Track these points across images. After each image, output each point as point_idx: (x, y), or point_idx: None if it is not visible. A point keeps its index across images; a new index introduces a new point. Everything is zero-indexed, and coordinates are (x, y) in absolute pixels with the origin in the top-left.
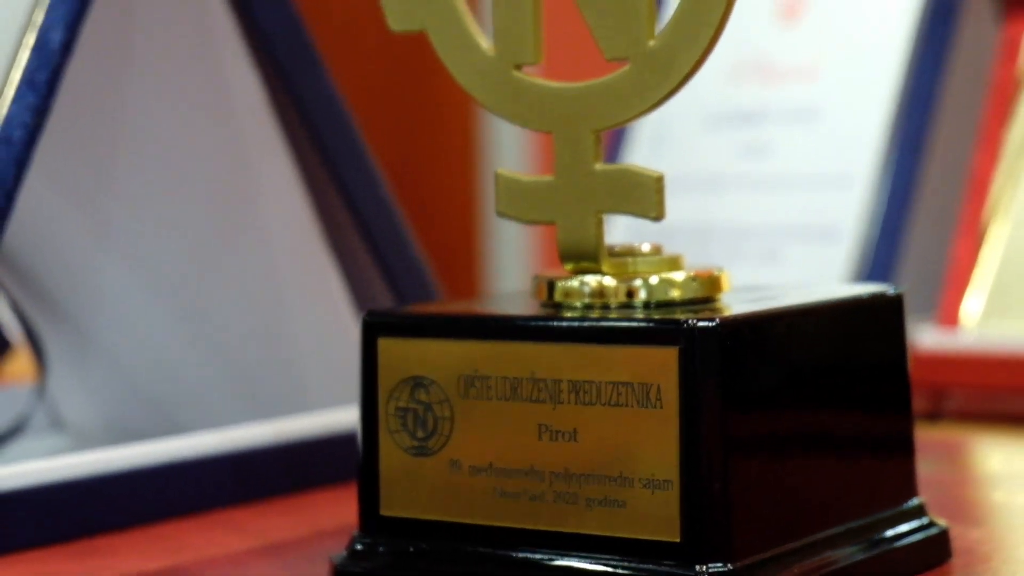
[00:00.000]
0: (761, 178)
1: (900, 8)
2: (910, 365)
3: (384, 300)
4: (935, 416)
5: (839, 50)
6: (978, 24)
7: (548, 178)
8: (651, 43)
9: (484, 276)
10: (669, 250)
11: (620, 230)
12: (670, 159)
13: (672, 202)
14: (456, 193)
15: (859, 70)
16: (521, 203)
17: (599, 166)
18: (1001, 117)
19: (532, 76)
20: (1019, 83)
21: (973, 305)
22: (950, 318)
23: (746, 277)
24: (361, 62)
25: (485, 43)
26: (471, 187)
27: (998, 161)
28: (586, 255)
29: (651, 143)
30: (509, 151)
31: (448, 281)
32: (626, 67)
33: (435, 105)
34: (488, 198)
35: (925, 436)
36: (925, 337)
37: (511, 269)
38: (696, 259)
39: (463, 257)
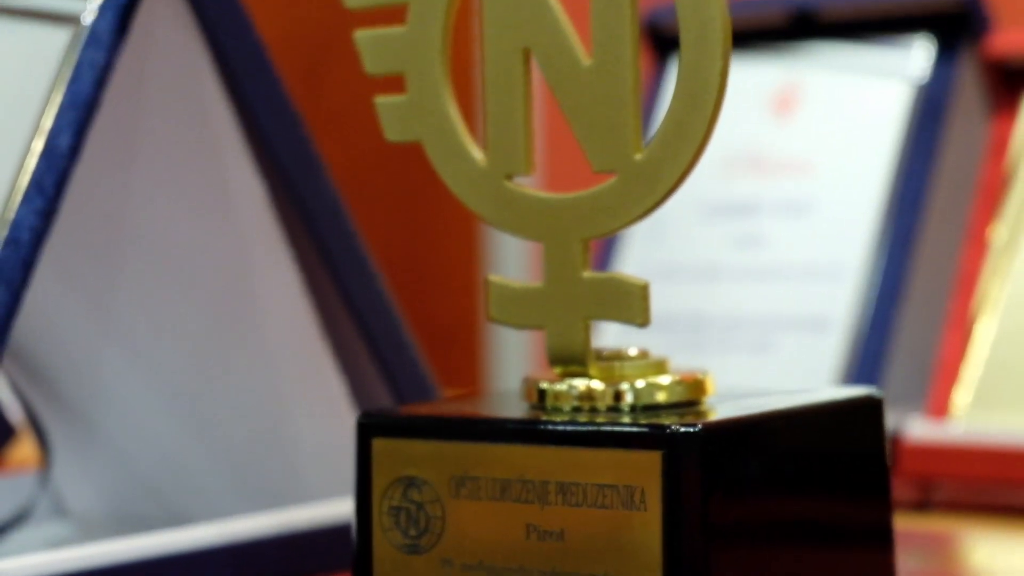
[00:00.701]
0: (754, 269)
1: (891, 104)
2: (898, 457)
3: (383, 399)
4: (924, 506)
5: (831, 144)
6: (967, 122)
7: (538, 285)
8: (637, 156)
9: (486, 368)
10: (661, 345)
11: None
12: (666, 249)
13: (667, 291)
14: (458, 286)
15: (851, 164)
16: (512, 309)
17: (587, 274)
18: (988, 214)
19: (523, 186)
20: (1006, 181)
21: (961, 397)
22: (939, 409)
23: (739, 366)
24: (361, 163)
25: (478, 154)
26: (473, 281)
27: (985, 256)
28: (574, 360)
29: (647, 233)
30: (511, 247)
31: (450, 374)
32: (614, 179)
33: (436, 203)
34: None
35: (913, 527)
36: (914, 428)
37: (513, 361)
38: (690, 348)
39: (465, 350)
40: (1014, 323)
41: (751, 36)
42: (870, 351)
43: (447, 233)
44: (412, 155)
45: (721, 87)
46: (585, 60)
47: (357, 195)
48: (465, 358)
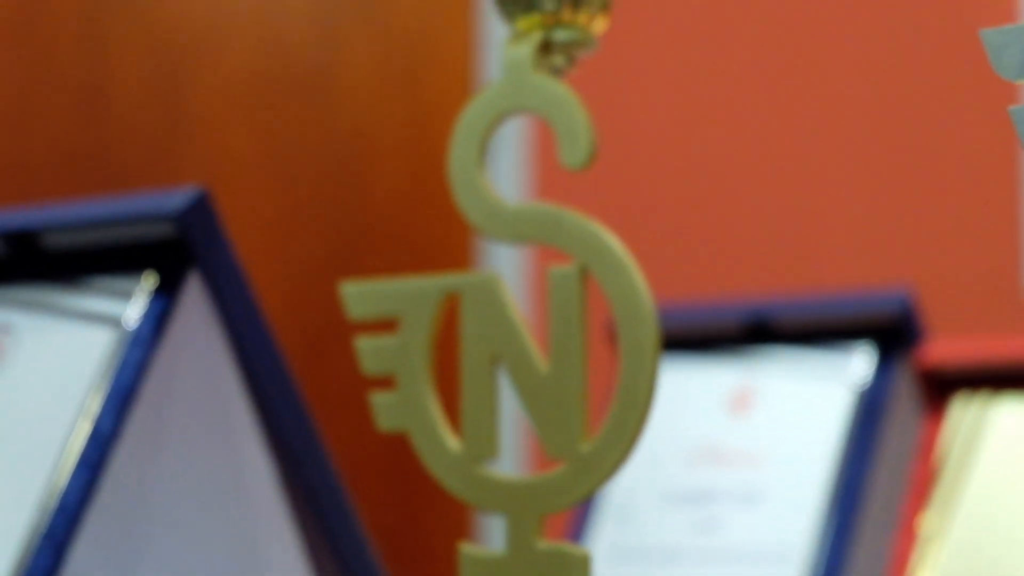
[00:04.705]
0: (712, 551)
1: (835, 405)
2: None
3: None
4: None
5: (781, 440)
6: (902, 423)
7: (501, 553)
8: (584, 448)
9: None
10: None
11: None
12: (633, 531)
13: (634, 571)
14: (445, 550)
15: (798, 458)
16: (480, 574)
17: (541, 544)
18: (918, 505)
19: (490, 470)
20: (934, 476)
21: None
22: None
23: None
24: (357, 444)
25: (454, 443)
26: (458, 542)
27: (915, 543)
28: None
29: (617, 516)
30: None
31: None
32: (564, 465)
33: (424, 481)
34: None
35: None
36: None
37: None
38: None
39: None
40: None
41: (711, 342)
42: None
43: (434, 505)
44: (402, 440)
45: (650, 394)
46: (543, 368)
47: (354, 475)
48: None
